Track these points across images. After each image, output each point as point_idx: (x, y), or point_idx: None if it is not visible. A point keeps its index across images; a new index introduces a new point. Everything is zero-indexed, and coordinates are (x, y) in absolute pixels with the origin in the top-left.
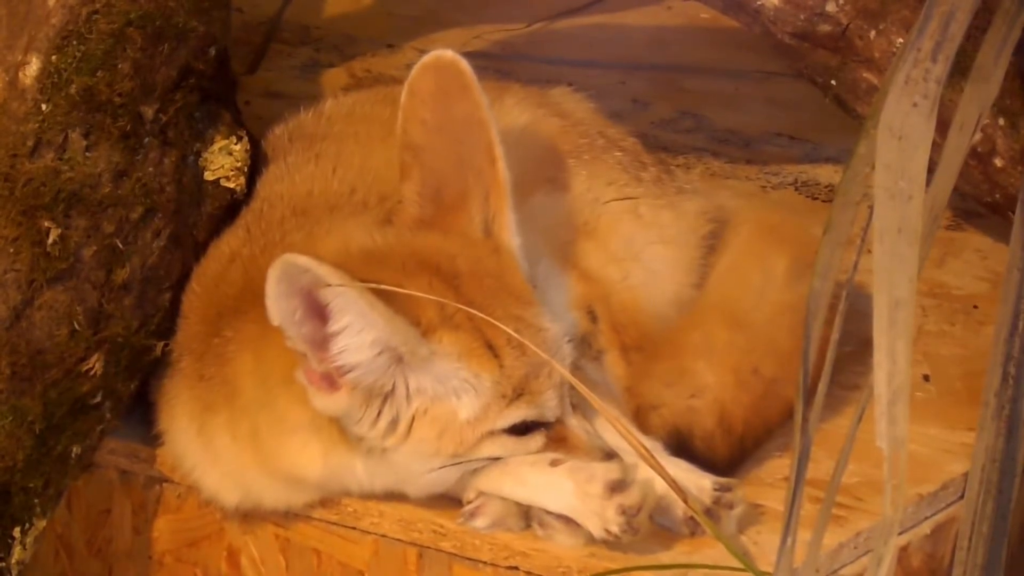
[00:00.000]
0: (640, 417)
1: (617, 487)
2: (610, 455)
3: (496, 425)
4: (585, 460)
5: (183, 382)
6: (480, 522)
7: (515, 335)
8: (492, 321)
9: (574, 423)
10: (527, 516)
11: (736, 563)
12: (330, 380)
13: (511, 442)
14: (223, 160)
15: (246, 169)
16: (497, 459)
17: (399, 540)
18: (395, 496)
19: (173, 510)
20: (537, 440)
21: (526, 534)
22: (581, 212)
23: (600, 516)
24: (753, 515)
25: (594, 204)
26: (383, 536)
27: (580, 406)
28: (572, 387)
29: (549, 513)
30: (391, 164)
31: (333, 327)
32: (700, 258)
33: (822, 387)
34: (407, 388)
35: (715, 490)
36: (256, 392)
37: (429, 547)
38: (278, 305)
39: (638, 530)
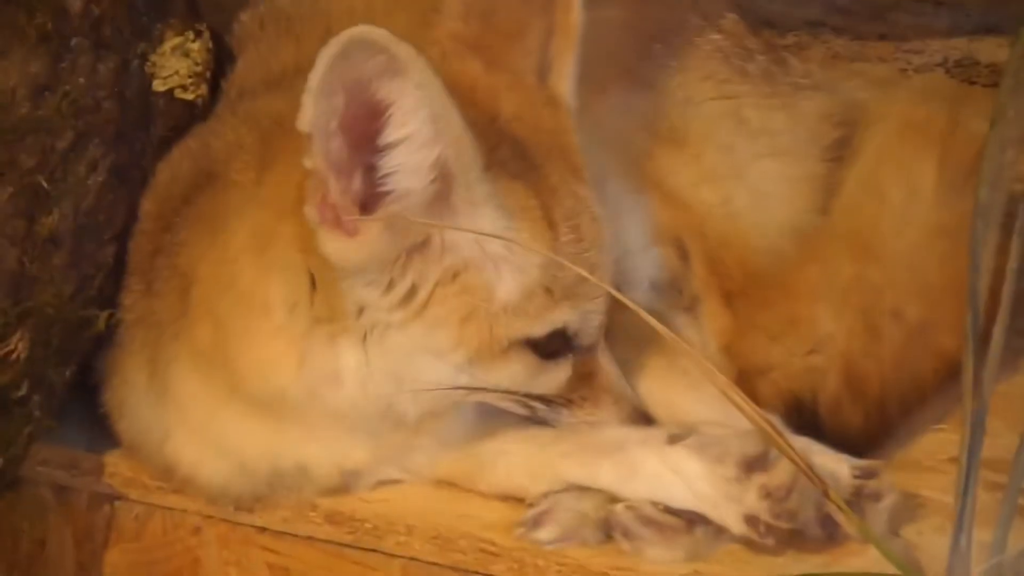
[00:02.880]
0: (745, 385)
1: (757, 464)
2: (639, 412)
3: (532, 329)
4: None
5: (134, 323)
6: (546, 533)
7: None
8: (550, 186)
9: (606, 359)
10: (607, 524)
11: (893, 570)
12: (349, 220)
13: (535, 365)
14: (177, 64)
15: (207, 74)
16: (516, 394)
17: (435, 564)
18: (435, 488)
19: (130, 537)
20: (563, 371)
21: (607, 548)
22: (666, 115)
23: (739, 502)
24: (909, 508)
25: (684, 105)
26: (413, 560)
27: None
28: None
29: (643, 517)
30: None
31: (391, 136)
32: (824, 174)
33: (998, 334)
34: (441, 240)
35: (855, 477)
36: (216, 272)
37: (476, 573)
38: (318, 102)
39: (793, 516)
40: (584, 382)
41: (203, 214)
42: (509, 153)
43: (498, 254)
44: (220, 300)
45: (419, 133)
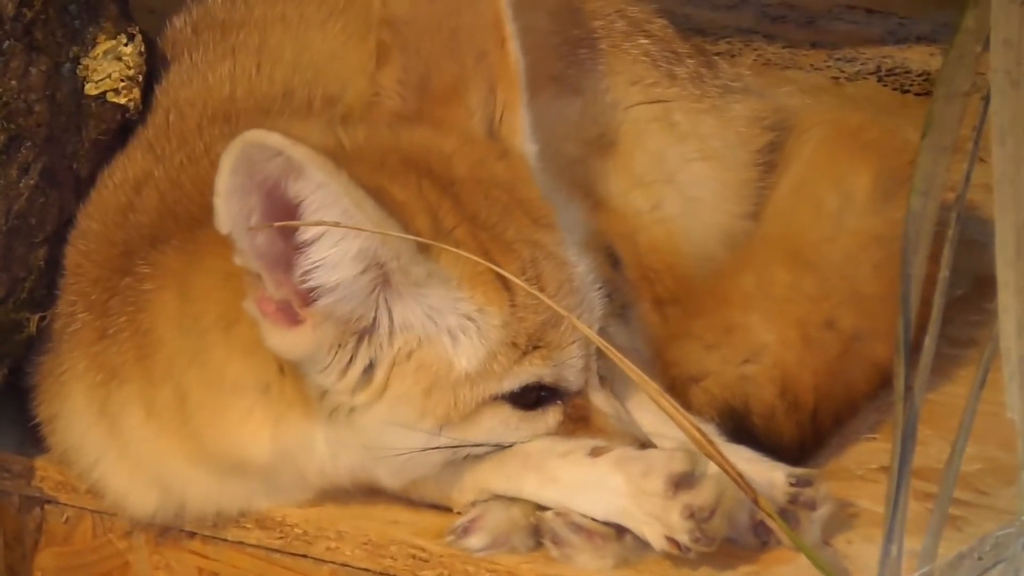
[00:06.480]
0: (678, 393)
1: (683, 482)
2: (645, 447)
3: (501, 387)
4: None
5: (78, 348)
6: (475, 541)
7: (531, 263)
8: (505, 242)
9: (601, 400)
10: (537, 531)
11: None
12: (290, 312)
13: (515, 417)
14: (110, 67)
15: (140, 78)
16: (501, 447)
17: (365, 570)
18: (367, 497)
19: (60, 540)
20: (551, 418)
21: (536, 555)
22: (595, 121)
23: (662, 521)
24: (842, 518)
25: (613, 110)
26: (344, 566)
27: (608, 379)
28: (600, 351)
29: (572, 524)
30: (339, 57)
31: (305, 234)
32: (755, 178)
33: (929, 343)
34: (390, 322)
35: (791, 485)
36: (182, 341)
37: None
38: (230, 204)
39: (713, 539)
40: (579, 425)
41: (172, 269)
42: (453, 221)
43: (455, 325)
44: (186, 371)
45: (333, 230)
